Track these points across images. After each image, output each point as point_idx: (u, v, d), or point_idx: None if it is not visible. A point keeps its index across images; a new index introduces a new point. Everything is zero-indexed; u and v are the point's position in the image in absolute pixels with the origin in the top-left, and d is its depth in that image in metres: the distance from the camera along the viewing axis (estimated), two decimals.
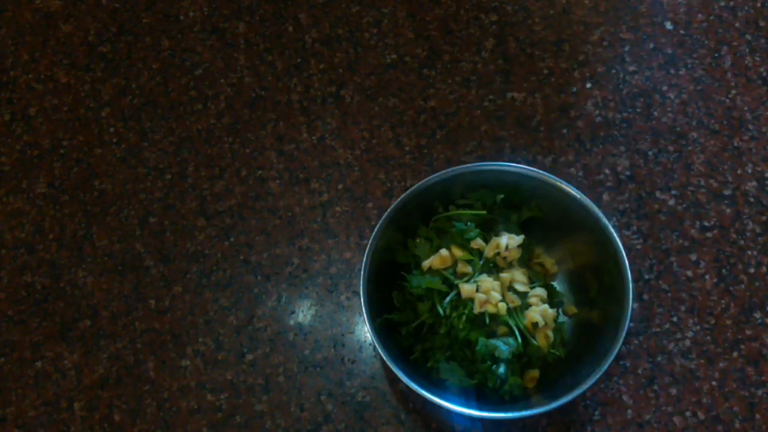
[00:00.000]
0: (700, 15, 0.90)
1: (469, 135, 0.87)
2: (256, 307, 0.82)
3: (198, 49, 0.94)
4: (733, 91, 0.87)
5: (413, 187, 0.74)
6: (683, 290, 0.79)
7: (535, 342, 0.72)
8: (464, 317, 0.71)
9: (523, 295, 0.73)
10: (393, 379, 0.78)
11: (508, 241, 0.74)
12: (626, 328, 0.68)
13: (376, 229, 0.73)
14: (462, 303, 0.72)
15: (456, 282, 0.73)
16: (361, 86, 0.90)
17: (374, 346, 0.77)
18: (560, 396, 0.67)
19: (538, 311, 0.72)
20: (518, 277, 0.74)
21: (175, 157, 0.89)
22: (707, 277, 0.80)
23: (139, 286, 0.84)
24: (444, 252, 0.74)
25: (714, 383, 0.76)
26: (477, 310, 0.71)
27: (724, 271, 0.80)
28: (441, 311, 0.72)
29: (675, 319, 0.78)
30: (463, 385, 0.72)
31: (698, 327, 0.78)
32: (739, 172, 0.84)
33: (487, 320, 0.71)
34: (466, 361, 0.72)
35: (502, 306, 0.71)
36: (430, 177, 0.75)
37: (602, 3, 0.92)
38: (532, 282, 0.75)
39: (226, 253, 0.84)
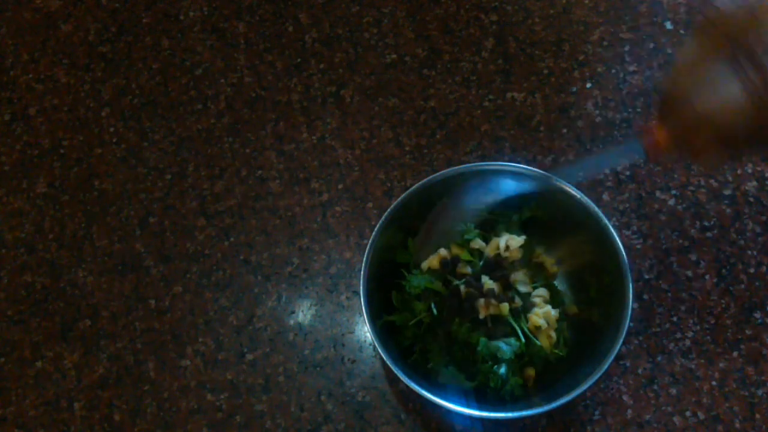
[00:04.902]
0: (700, 15, 0.90)
1: (469, 135, 0.87)
2: (256, 307, 0.82)
3: (198, 49, 0.94)
4: None
5: (413, 187, 0.74)
6: (683, 290, 0.79)
7: (537, 342, 0.72)
8: None
9: (525, 296, 0.73)
10: (393, 379, 0.78)
11: (509, 241, 0.74)
12: (626, 328, 0.68)
13: (376, 229, 0.73)
14: None
15: (456, 282, 0.73)
16: (361, 86, 0.90)
17: (374, 346, 0.77)
18: (560, 396, 0.67)
19: (542, 313, 0.72)
20: (519, 278, 0.74)
21: (175, 157, 0.89)
22: (707, 277, 0.80)
23: (139, 286, 0.84)
24: (443, 251, 0.74)
25: (714, 383, 0.76)
26: (481, 314, 0.71)
27: (724, 271, 0.80)
28: (434, 311, 0.72)
29: (675, 319, 0.78)
30: (463, 387, 0.72)
31: (698, 327, 0.78)
32: (739, 172, 0.84)
33: (489, 321, 0.71)
34: (467, 361, 0.72)
35: (504, 306, 0.71)
36: (430, 177, 0.75)
37: (602, 3, 0.92)
38: (533, 282, 0.75)
39: (226, 253, 0.84)
